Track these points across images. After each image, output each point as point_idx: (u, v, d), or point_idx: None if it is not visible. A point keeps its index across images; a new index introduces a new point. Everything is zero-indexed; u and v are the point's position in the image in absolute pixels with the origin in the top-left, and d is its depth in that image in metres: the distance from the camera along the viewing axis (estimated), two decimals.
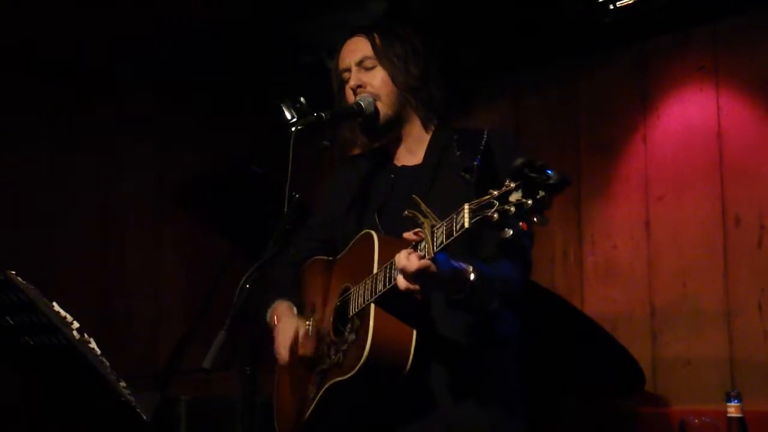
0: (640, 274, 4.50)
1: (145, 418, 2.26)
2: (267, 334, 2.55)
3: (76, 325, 2.23)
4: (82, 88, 5.29)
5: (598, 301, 4.60)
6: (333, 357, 2.28)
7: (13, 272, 2.25)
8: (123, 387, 2.25)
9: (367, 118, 2.41)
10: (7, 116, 5.00)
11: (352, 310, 2.24)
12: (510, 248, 2.20)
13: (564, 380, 3.86)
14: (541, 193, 1.75)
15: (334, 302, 2.37)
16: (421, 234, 1.99)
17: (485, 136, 2.33)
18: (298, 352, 2.36)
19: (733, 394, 2.85)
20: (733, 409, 2.83)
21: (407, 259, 1.97)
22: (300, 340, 2.36)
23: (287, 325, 2.41)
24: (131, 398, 2.24)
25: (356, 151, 2.61)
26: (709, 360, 4.20)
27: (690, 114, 4.46)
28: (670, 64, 4.56)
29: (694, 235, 4.35)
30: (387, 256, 2.13)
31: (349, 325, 2.24)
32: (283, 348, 2.37)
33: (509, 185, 1.79)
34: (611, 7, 4.17)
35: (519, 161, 1.77)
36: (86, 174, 5.38)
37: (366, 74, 2.44)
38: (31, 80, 5.13)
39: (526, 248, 2.28)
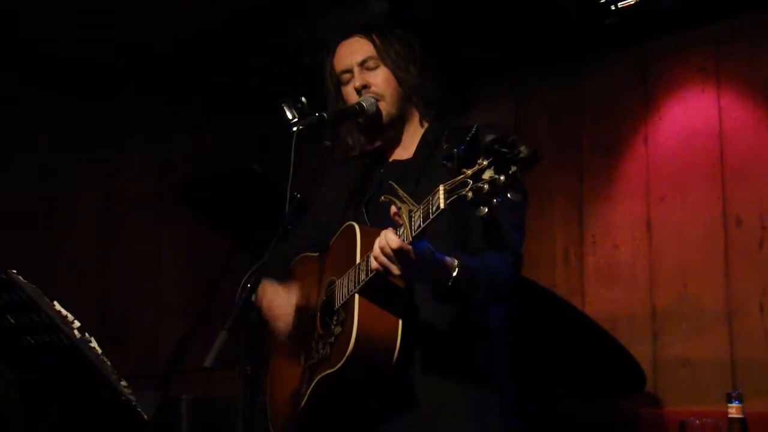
0: (641, 274, 4.50)
1: (145, 417, 2.26)
2: (266, 332, 2.55)
3: (77, 324, 2.23)
4: (82, 88, 5.29)
5: (598, 302, 4.60)
6: (321, 351, 2.28)
7: (14, 271, 2.25)
8: (124, 386, 2.25)
9: (368, 118, 2.41)
10: (7, 116, 5.00)
11: (337, 302, 2.25)
12: (499, 241, 2.21)
13: (564, 380, 3.86)
14: (513, 168, 1.75)
15: (321, 296, 2.37)
16: (399, 220, 2.00)
17: (474, 130, 2.34)
18: (298, 317, 2.36)
19: (734, 394, 2.85)
20: (734, 410, 2.82)
21: (386, 239, 1.98)
22: (296, 303, 2.36)
23: (278, 294, 2.40)
24: (132, 398, 2.24)
25: (355, 152, 2.62)
26: (710, 361, 4.20)
27: (691, 115, 4.46)
28: (671, 65, 4.56)
29: (695, 235, 4.35)
30: (369, 246, 2.13)
31: (335, 318, 2.25)
32: (282, 316, 2.37)
33: (481, 163, 1.80)
34: (613, 8, 4.17)
35: (489, 137, 1.78)
36: (86, 174, 5.38)
37: (369, 74, 2.44)
38: (31, 80, 5.13)
39: (516, 241, 2.28)
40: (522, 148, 1.75)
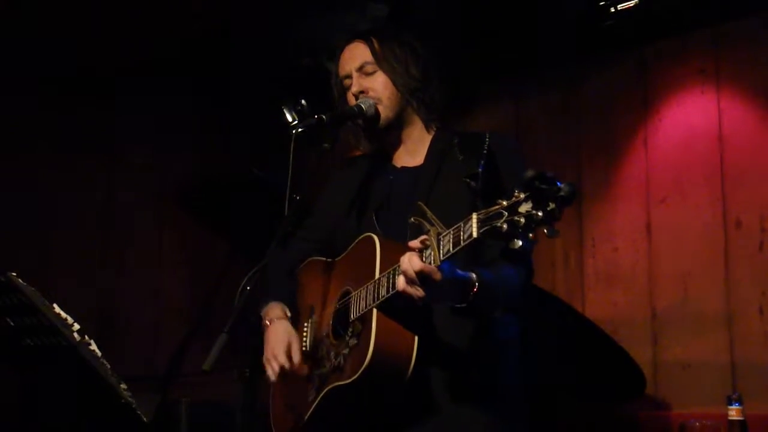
0: (641, 277, 4.50)
1: (145, 419, 2.26)
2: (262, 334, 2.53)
3: (76, 326, 2.23)
4: (82, 88, 5.29)
5: (599, 305, 4.60)
6: (333, 360, 2.26)
7: (14, 274, 2.24)
8: (123, 389, 2.25)
9: (367, 120, 2.41)
10: (7, 117, 5.00)
11: (353, 314, 2.23)
12: (511, 252, 2.19)
13: (565, 383, 3.86)
14: (552, 205, 1.74)
15: (333, 305, 2.35)
16: (426, 241, 1.98)
17: (487, 140, 2.33)
18: (289, 369, 2.31)
19: (734, 397, 2.85)
20: (734, 412, 2.83)
21: (410, 262, 1.96)
22: (293, 354, 2.32)
23: (279, 336, 2.35)
24: (131, 400, 2.24)
25: (357, 153, 2.61)
26: (710, 363, 4.19)
27: (691, 117, 4.46)
28: (671, 67, 4.56)
29: (695, 238, 4.35)
30: (389, 261, 2.12)
31: (350, 329, 2.23)
32: (273, 361, 2.32)
33: (519, 196, 1.78)
34: (612, 10, 4.17)
35: (530, 173, 1.76)
36: (86, 175, 5.37)
37: (367, 79, 2.44)
38: (31, 80, 5.13)
39: (528, 253, 2.27)
40: (563, 186, 1.73)
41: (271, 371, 2.33)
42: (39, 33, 4.85)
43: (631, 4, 4.13)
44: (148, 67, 5.26)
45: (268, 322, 2.39)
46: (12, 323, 2.30)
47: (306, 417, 2.31)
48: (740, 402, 2.84)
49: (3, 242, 4.78)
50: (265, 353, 2.36)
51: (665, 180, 4.49)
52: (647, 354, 4.35)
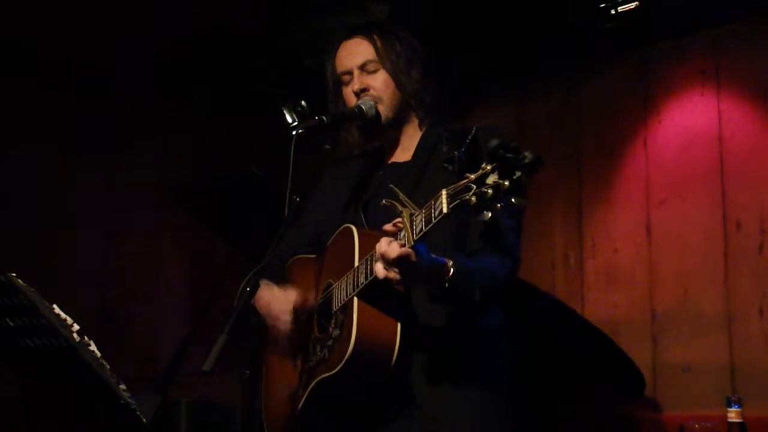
0: (640, 278, 4.50)
1: (144, 420, 2.26)
2: (264, 335, 2.54)
3: (76, 327, 2.22)
4: (82, 89, 5.29)
5: (598, 306, 4.60)
6: (319, 353, 2.27)
7: (14, 274, 2.24)
8: (123, 389, 2.24)
9: (368, 121, 2.41)
10: (7, 116, 5.00)
11: (335, 305, 2.24)
12: (496, 243, 2.21)
13: (564, 385, 3.86)
14: (518, 174, 1.76)
15: (317, 299, 2.37)
16: (400, 224, 1.99)
17: (473, 131, 2.33)
18: (297, 315, 2.34)
19: (733, 399, 2.85)
20: (733, 415, 2.83)
21: (388, 246, 1.97)
22: (292, 303, 2.35)
23: (275, 294, 2.37)
24: (131, 401, 2.23)
25: (354, 151, 2.61)
26: (710, 365, 4.19)
27: (691, 119, 4.46)
28: (671, 68, 4.57)
29: (695, 239, 4.35)
30: (367, 249, 2.13)
31: (333, 321, 2.24)
32: (282, 314, 2.35)
33: (485, 168, 1.79)
34: (613, 12, 4.17)
35: (493, 143, 1.78)
36: (86, 175, 5.37)
37: (368, 77, 2.43)
38: (31, 81, 5.13)
39: (513, 244, 2.27)
40: (527, 154, 1.75)
41: (282, 323, 2.34)
42: (38, 33, 4.85)
43: (631, 6, 4.13)
44: (148, 68, 5.26)
45: (258, 296, 2.36)
46: (12, 324, 2.30)
47: (297, 411, 2.31)
48: (740, 404, 2.84)
49: (3, 242, 4.78)
50: (269, 316, 2.36)
51: (665, 181, 4.49)
52: (647, 355, 4.35)
